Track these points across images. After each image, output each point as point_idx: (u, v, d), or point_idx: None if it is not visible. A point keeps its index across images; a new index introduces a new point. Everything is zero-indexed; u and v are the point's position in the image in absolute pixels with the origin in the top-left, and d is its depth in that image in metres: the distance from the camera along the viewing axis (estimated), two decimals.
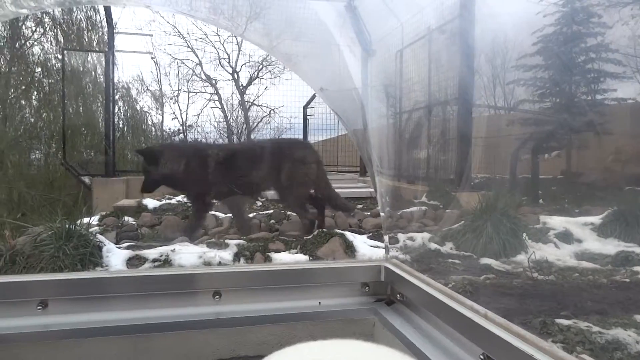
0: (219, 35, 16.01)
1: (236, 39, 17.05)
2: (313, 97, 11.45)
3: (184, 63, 16.45)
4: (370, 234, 4.23)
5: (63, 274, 2.18)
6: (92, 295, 1.39)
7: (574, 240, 4.46)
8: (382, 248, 4.00)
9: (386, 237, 1.84)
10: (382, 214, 2.02)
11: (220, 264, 3.28)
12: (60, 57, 10.00)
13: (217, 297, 1.48)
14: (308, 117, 11.97)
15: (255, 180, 4.38)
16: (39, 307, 1.33)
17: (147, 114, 13.52)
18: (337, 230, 4.04)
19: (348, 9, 3.34)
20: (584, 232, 4.57)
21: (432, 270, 3.36)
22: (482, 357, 1.08)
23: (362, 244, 3.83)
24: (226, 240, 3.90)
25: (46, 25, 9.89)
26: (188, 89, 16.74)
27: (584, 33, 13.16)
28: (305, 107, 11.78)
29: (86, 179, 9.09)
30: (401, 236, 4.15)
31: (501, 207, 4.24)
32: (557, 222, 4.75)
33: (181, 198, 6.54)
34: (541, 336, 2.17)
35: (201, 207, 4.48)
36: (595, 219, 4.77)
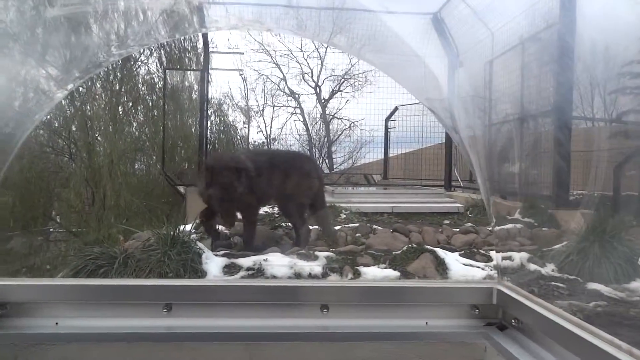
0: (302, 50, 16.51)
1: (319, 53, 17.49)
2: (395, 110, 11.37)
3: (269, 78, 17.20)
4: (462, 252, 4.06)
5: (186, 280, 2.35)
6: (210, 302, 1.48)
7: None
8: (477, 267, 3.83)
9: (498, 256, 1.75)
10: (496, 229, 1.93)
11: (324, 277, 3.34)
12: (162, 76, 10.90)
13: (325, 310, 1.50)
14: (390, 130, 11.90)
15: (270, 189, 4.53)
16: (164, 310, 1.44)
17: (235, 128, 14.26)
18: (427, 247, 3.93)
19: (434, 21, 3.30)
20: None
21: (533, 293, 3.13)
22: None
23: (454, 261, 3.69)
24: (315, 252, 3.96)
25: (152, 47, 10.83)
26: (272, 103, 17.44)
27: None
28: (386, 120, 11.74)
29: (181, 189, 9.77)
30: (494, 255, 3.93)
31: (609, 228, 3.87)
32: None
33: (269, 209, 6.77)
34: None
35: (255, 218, 4.69)
36: None
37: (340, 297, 1.53)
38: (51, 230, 10.18)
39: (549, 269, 3.76)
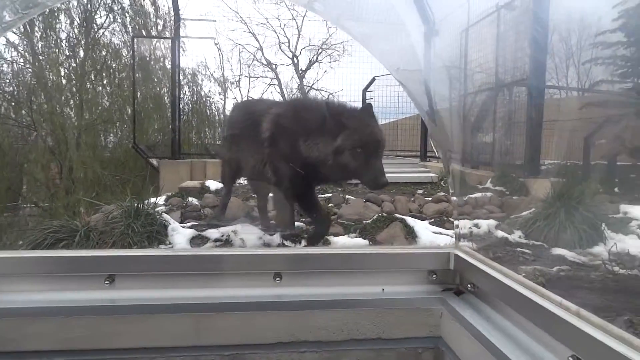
0: (278, 19, 16.09)
1: (296, 22, 17.07)
2: (372, 81, 11.26)
3: (245, 48, 16.75)
4: (432, 220, 4.07)
5: (130, 250, 2.25)
6: (156, 273, 1.41)
7: None
8: (446, 235, 3.85)
9: (457, 223, 1.72)
10: (453, 198, 1.90)
11: (280, 245, 3.29)
12: (130, 44, 10.47)
13: (277, 279, 1.44)
14: (367, 101, 11.80)
15: None
16: (106, 282, 1.36)
17: (210, 99, 13.92)
18: (398, 215, 3.93)
19: None
20: None
21: (499, 259, 3.17)
22: (571, 359, 0.96)
23: (423, 229, 3.70)
24: None
25: (116, 14, 10.37)
26: (249, 73, 17.05)
27: None
28: (364, 91, 11.62)
29: (154, 161, 9.55)
30: (464, 223, 3.95)
31: (576, 195, 3.93)
32: (639, 211, 4.34)
33: (243, 180, 6.69)
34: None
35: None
36: None
37: (294, 265, 1.47)
38: (24, 206, 9.88)
39: (516, 236, 3.81)
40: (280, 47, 17.46)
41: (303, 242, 3.38)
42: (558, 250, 3.52)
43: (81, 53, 10.19)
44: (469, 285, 1.44)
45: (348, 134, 2.83)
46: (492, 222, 3.90)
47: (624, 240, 3.82)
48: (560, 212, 3.81)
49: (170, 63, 10.61)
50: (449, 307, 1.43)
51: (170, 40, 10.41)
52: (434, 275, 1.53)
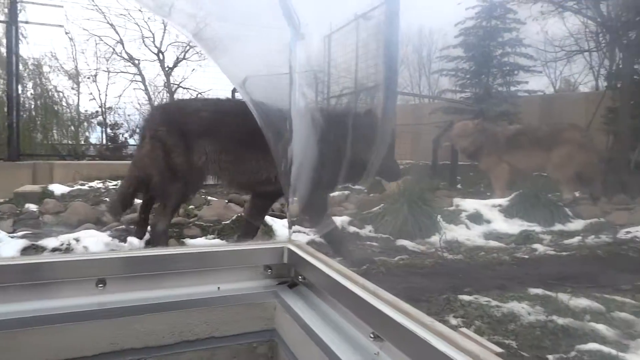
0: (141, 11, 15.06)
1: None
2: (245, 80, 11.17)
3: (102, 40, 15.38)
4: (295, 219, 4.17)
5: None
6: None
7: (483, 221, 4.72)
8: (304, 233, 3.99)
9: (289, 219, 1.79)
10: (291, 198, 1.97)
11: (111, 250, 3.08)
12: None
13: (100, 285, 1.35)
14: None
15: None
16: None
17: (61, 94, 12.51)
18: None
19: None
20: (493, 214, 4.86)
21: (351, 252, 3.38)
22: (372, 335, 1.07)
23: (282, 227, 3.78)
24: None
25: None
26: (107, 68, 15.70)
27: (501, 28, 14.00)
28: (234, 92, 11.49)
29: None
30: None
31: (418, 191, 4.38)
32: (469, 204, 5.00)
33: (96, 183, 6.12)
34: (444, 312, 2.25)
35: None
36: (503, 201, 5.08)
37: (120, 269, 1.39)
38: None
39: (366, 230, 4.10)
40: (143, 41, 16.37)
41: (128, 245, 3.21)
42: (402, 242, 3.89)
43: None
44: (300, 277, 1.51)
45: None
46: (345, 219, 4.15)
47: (455, 229, 4.38)
48: (404, 206, 4.21)
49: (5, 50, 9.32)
50: (281, 300, 1.47)
51: (4, 25, 9.14)
52: (270, 270, 1.57)
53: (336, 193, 5.27)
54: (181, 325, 1.40)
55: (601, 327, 2.17)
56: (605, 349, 1.94)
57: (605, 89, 11.00)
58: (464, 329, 0.90)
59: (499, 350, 0.81)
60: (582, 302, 2.45)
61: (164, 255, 1.46)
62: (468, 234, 4.27)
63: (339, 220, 4.09)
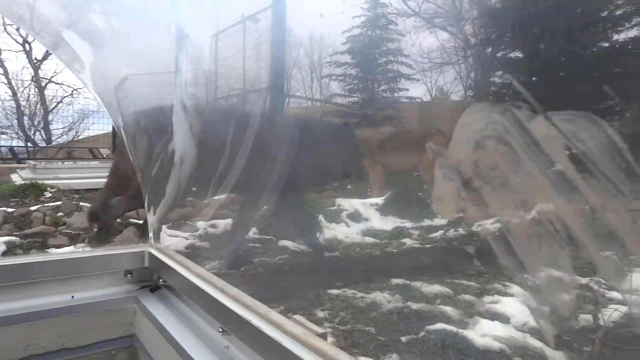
0: None
1: (27, 1, 14.57)
2: (125, 79, 10.50)
3: None
4: (171, 224, 4.07)
5: None
6: None
7: (362, 219, 5.05)
8: (182, 237, 3.91)
9: (152, 219, 1.78)
10: (150, 198, 1.95)
11: None
12: None
13: None
14: (121, 100, 10.92)
15: None
16: None
17: None
18: (133, 220, 3.79)
19: None
20: (370, 212, 5.21)
21: (229, 255, 3.40)
22: (220, 330, 1.13)
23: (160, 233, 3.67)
24: None
25: None
26: None
27: (384, 37, 15.02)
28: (117, 88, 10.73)
29: None
30: (202, 224, 4.11)
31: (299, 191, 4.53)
32: (349, 204, 5.30)
33: None
34: (313, 307, 2.39)
35: None
36: (380, 200, 5.48)
37: None
38: None
39: (251, 233, 4.15)
40: (5, 28, 14.61)
41: None
42: (284, 242, 4.00)
43: None
44: (161, 281, 1.52)
45: None
46: (229, 222, 4.15)
47: (336, 228, 4.62)
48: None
49: None
50: (141, 305, 1.47)
51: None
52: (130, 275, 1.55)
53: (216, 197, 5.23)
54: (30, 338, 1.33)
55: (448, 309, 2.48)
56: (448, 327, 2.22)
57: (471, 97, 12.41)
58: (296, 316, 1.00)
59: (321, 331, 0.93)
60: (435, 287, 2.77)
61: (16, 265, 1.38)
62: (347, 232, 4.53)
63: (223, 224, 4.09)
